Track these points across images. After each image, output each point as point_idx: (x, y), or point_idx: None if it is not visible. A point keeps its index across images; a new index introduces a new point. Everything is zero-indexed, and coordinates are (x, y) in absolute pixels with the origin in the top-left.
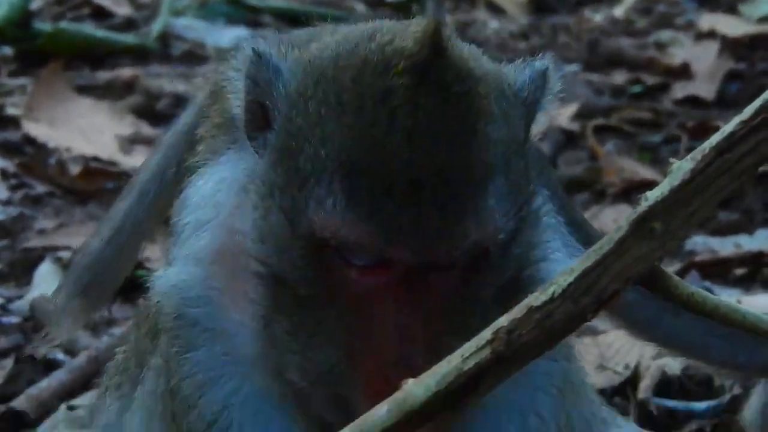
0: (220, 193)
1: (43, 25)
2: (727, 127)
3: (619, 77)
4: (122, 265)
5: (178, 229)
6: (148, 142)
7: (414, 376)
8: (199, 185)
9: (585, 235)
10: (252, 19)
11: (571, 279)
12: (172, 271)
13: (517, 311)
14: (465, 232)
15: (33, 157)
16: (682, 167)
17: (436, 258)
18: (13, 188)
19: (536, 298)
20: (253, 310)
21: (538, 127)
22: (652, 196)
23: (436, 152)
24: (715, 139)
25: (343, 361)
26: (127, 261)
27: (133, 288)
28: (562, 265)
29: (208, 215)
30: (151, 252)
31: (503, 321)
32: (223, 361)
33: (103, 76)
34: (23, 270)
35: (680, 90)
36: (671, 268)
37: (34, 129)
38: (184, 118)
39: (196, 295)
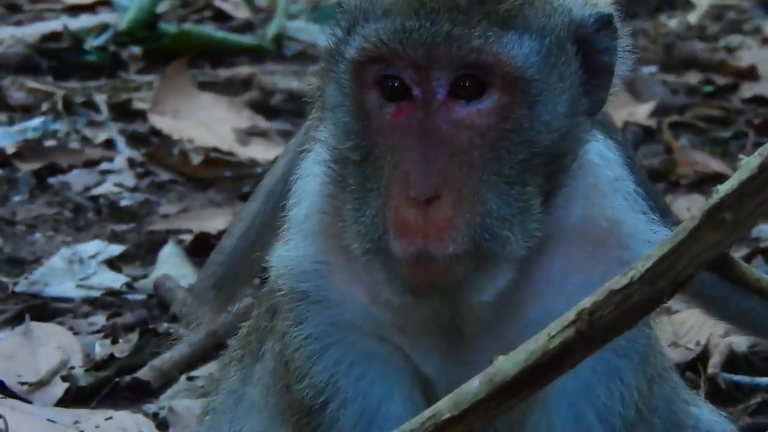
0: (316, 165)
1: (169, 27)
2: None
3: (693, 78)
4: (253, 260)
5: (288, 209)
6: (263, 134)
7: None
8: (302, 166)
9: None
10: None
11: (648, 264)
12: (284, 248)
13: (598, 294)
14: (468, 39)
15: (158, 147)
16: (750, 162)
17: (441, 58)
18: (140, 176)
19: (616, 282)
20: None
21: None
22: (723, 188)
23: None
24: None
25: (381, 207)
26: (257, 257)
27: None
28: (642, 224)
29: (308, 186)
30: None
31: (586, 303)
32: (330, 331)
33: (223, 73)
34: (148, 251)
35: (748, 90)
36: (738, 253)
37: (160, 121)
38: (305, 124)
39: (306, 270)
